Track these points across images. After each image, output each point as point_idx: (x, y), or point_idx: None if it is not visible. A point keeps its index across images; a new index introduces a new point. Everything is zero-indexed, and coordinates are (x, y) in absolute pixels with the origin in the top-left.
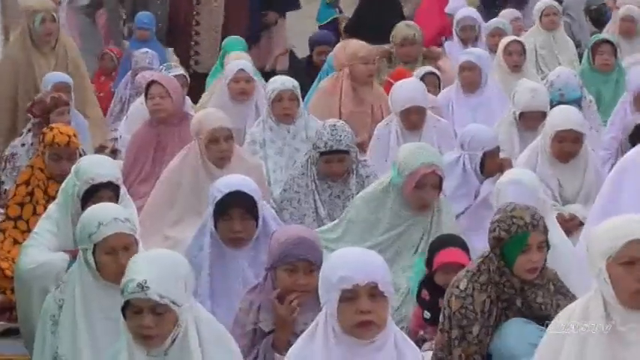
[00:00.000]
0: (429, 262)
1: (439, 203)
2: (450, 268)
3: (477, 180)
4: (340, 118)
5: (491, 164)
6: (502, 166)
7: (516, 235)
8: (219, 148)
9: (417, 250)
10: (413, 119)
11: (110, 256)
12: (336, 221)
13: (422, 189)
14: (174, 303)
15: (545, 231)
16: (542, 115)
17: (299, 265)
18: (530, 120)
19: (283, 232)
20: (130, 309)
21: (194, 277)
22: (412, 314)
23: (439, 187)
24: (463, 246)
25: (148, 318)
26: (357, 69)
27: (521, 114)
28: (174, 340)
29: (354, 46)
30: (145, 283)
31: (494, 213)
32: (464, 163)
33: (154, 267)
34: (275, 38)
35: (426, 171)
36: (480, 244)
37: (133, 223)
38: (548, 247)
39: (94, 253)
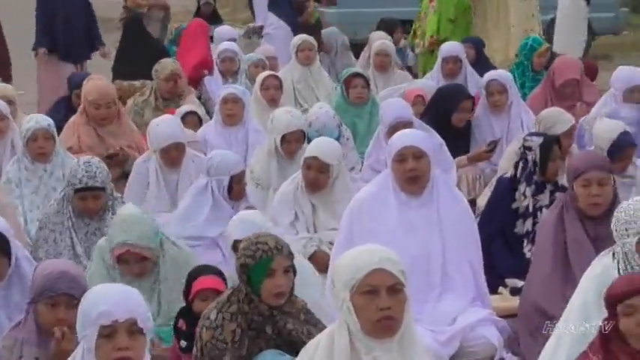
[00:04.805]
0: (186, 293)
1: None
2: (207, 294)
3: (228, 205)
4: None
5: (237, 189)
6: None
7: (261, 260)
8: None
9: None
10: (172, 156)
11: None
12: None
13: (123, 265)
14: None
15: (291, 256)
16: (302, 135)
17: (60, 299)
18: (291, 143)
19: (46, 266)
20: None
21: None
22: (170, 349)
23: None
24: (218, 273)
25: None
26: (90, 112)
27: (283, 138)
28: None
29: (87, 87)
30: None
31: (240, 244)
32: (212, 189)
33: None
34: None
35: (120, 251)
36: None
37: None
38: (294, 272)
39: None
